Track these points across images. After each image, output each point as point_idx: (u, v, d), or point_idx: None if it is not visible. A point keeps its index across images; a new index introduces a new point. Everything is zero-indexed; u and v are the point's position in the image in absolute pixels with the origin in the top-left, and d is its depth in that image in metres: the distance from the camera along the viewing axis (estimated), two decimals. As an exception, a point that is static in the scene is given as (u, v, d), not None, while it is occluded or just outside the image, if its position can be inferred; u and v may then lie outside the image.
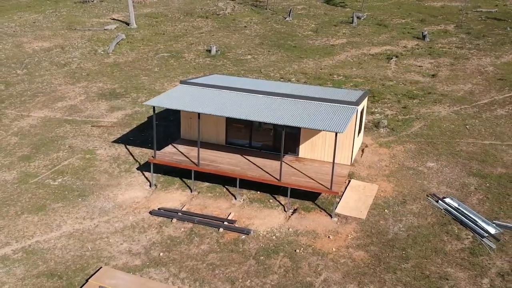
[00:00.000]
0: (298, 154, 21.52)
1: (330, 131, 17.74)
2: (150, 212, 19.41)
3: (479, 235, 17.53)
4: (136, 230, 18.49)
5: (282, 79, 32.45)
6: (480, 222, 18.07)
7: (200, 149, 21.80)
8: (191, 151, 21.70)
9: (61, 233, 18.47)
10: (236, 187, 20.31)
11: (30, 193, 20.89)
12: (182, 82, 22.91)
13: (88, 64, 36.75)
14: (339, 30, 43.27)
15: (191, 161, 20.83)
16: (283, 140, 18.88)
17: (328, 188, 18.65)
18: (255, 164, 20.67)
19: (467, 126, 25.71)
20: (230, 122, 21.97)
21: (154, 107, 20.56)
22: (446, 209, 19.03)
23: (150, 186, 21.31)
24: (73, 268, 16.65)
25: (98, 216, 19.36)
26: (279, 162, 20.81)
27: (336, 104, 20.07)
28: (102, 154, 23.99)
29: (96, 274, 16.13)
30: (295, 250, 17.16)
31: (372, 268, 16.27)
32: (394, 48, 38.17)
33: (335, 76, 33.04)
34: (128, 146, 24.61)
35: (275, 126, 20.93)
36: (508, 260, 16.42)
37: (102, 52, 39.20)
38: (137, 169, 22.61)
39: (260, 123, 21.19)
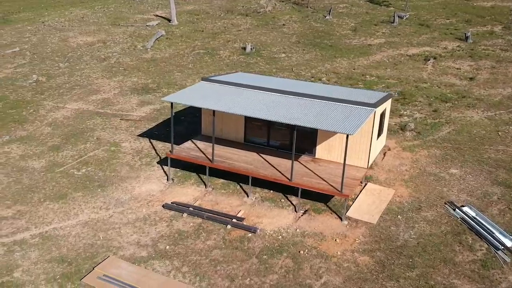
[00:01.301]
0: (315, 155, 21.30)
1: (340, 133, 17.46)
2: (163, 206, 19.84)
3: (494, 247, 16.74)
4: (147, 222, 18.95)
5: (312, 78, 32.17)
6: (497, 233, 17.25)
7: (218, 146, 22.05)
8: (209, 148, 21.93)
9: (77, 221, 19.21)
10: (247, 183, 20.44)
11: (55, 182, 21.83)
12: (203, 79, 23.20)
13: (127, 59, 37.87)
14: (379, 30, 42.32)
15: (207, 157, 21.09)
16: (294, 140, 18.76)
17: (339, 191, 18.36)
18: (269, 163, 20.66)
19: (499, 133, 24.54)
20: (249, 120, 22.03)
21: (172, 103, 20.97)
22: (462, 218, 18.29)
23: (167, 180, 21.76)
24: (83, 255, 17.27)
25: (114, 207, 19.98)
26: (294, 162, 20.70)
27: (353, 106, 19.70)
28: (126, 147, 24.71)
29: (102, 262, 16.69)
30: (299, 251, 17.03)
31: (375, 274, 15.89)
32: (433, 49, 36.91)
33: (367, 76, 32.39)
34: (152, 140, 25.22)
35: (292, 125, 20.80)
36: (522, 275, 15.61)
37: (141, 48, 40.29)
38: (157, 163, 23.13)
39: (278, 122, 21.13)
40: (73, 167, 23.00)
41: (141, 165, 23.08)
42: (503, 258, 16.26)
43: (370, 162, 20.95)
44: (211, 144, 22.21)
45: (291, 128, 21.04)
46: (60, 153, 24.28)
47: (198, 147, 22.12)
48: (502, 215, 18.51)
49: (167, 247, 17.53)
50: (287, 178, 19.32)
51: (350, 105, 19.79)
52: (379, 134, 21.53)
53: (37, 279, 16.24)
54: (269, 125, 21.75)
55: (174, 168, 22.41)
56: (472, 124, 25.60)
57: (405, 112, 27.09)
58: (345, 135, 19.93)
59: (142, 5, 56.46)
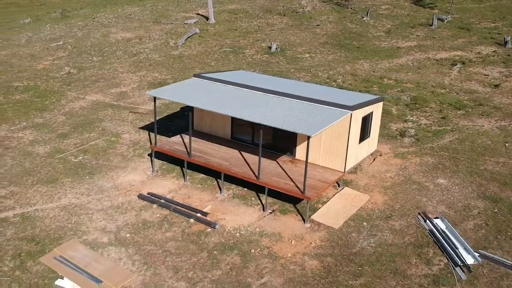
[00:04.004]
0: (295, 155, 21.05)
1: (300, 133, 17.18)
2: (138, 196, 20.48)
3: (453, 262, 15.74)
4: (119, 210, 19.65)
5: (328, 80, 31.62)
6: (460, 249, 16.19)
7: (203, 141, 22.44)
8: (195, 142, 22.32)
9: (58, 204, 20.31)
10: (227, 181, 20.61)
11: (51, 167, 23.18)
12: (195, 75, 23.62)
13: (155, 55, 39.19)
14: (414, 32, 40.65)
15: (187, 151, 21.49)
16: (260, 138, 18.66)
17: (302, 192, 18.06)
18: (245, 161, 20.69)
19: (506, 144, 22.86)
20: (236, 118, 22.12)
21: (154, 98, 21.58)
22: (430, 230, 17.33)
23: (152, 171, 22.42)
24: (51, 237, 18.27)
25: (94, 194, 20.90)
26: (271, 161, 20.60)
27: (328, 107, 19.25)
28: (125, 138, 25.69)
29: (62, 244, 17.58)
30: (250, 250, 16.96)
31: (317, 279, 15.50)
32: (465, 54, 34.93)
33: (385, 80, 31.31)
34: (151, 133, 26.02)
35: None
36: (473, 294, 14.58)
37: (173, 45, 41.49)
38: (148, 155, 23.87)
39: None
40: (72, 154, 24.29)
41: (133, 156, 23.92)
42: (459, 275, 15.26)
43: (349, 166, 20.35)
44: (197, 139, 22.66)
45: (275, 128, 20.95)
46: (65, 141, 25.70)
47: (183, 142, 22.58)
48: (475, 231, 17.32)
49: (128, 235, 18.12)
50: (256, 177, 19.27)
51: (326, 106, 19.36)
52: (362, 138, 20.84)
53: (4, 255, 17.38)
54: (254, 124, 21.74)
55: (161, 161, 23.05)
56: (480, 133, 24.03)
57: (411, 118, 25.94)
58: (324, 137, 19.85)
59: (189, 3, 58.04)
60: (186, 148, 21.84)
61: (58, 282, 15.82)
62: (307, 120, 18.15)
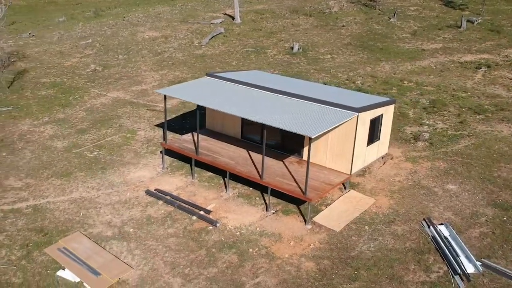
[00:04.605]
0: (302, 156, 20.97)
1: (301, 134, 17.11)
2: (146, 192, 20.85)
3: (453, 270, 15.34)
4: (126, 205, 20.06)
5: (347, 81, 31.30)
6: (462, 257, 15.75)
7: (213, 140, 22.64)
8: (204, 141, 22.55)
9: (69, 197, 20.92)
10: (234, 180, 20.74)
11: (67, 161, 23.87)
12: (207, 74, 23.84)
13: (179, 54, 39.70)
14: (441, 35, 39.66)
15: (196, 150, 21.72)
16: (264, 138, 18.71)
17: (303, 193, 17.97)
18: (252, 161, 20.75)
19: (525, 151, 22.09)
20: (245, 118, 22.20)
21: (165, 96, 21.91)
22: (433, 237, 16.93)
23: (162, 168, 22.76)
24: (59, 228, 18.84)
25: (104, 188, 21.40)
26: (278, 162, 20.60)
27: (335, 108, 19.08)
28: (140, 135, 26.18)
29: (67, 236, 18.11)
30: (249, 249, 17.01)
31: (312, 281, 15.40)
32: (491, 57, 33.84)
33: (405, 82, 30.70)
34: (165, 131, 26.39)
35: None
36: (470, 304, 14.17)
37: (197, 44, 41.93)
38: (160, 152, 24.24)
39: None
40: (88, 150, 24.93)
41: (145, 152, 24.35)
42: (457, 284, 14.86)
43: (356, 169, 20.09)
44: (208, 138, 22.88)
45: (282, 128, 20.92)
46: (83, 136, 26.40)
47: (193, 140, 22.83)
48: (481, 239, 16.81)
49: (131, 230, 18.48)
50: (260, 176, 19.30)
51: (333, 107, 19.19)
52: (371, 141, 20.53)
53: (14, 244, 18.05)
54: (263, 124, 21.74)
55: (172, 158, 23.38)
56: (497, 139, 23.27)
57: (427, 121, 25.36)
58: (331, 138, 19.74)
59: (217, 3, 58.50)
60: (195, 146, 22.09)
61: (60, 272, 16.33)
62: (311, 121, 18.05)
